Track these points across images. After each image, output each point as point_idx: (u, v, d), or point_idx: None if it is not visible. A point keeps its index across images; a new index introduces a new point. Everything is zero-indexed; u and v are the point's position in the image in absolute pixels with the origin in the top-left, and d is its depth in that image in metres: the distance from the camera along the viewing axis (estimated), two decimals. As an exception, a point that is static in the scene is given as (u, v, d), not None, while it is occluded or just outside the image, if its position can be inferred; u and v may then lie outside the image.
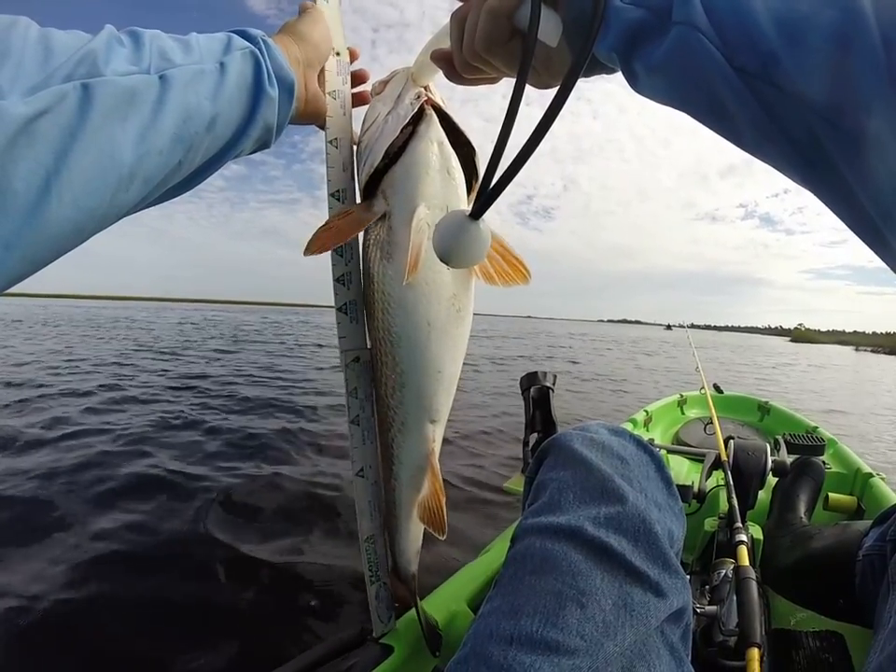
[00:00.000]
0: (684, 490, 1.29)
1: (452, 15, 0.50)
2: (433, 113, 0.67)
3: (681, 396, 2.80)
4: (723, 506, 1.32)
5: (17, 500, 2.29)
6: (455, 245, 0.42)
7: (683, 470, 1.75)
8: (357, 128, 0.75)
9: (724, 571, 1.07)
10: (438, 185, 0.67)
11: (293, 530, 2.16)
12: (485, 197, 0.41)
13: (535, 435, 1.29)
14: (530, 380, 1.36)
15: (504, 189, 0.40)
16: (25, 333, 12.41)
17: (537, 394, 1.34)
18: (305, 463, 3.01)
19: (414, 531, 0.85)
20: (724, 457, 1.36)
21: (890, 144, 0.28)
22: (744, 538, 1.02)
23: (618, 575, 0.58)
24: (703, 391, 2.42)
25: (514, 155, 0.38)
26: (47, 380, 5.46)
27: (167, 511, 2.26)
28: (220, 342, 11.99)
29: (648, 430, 2.38)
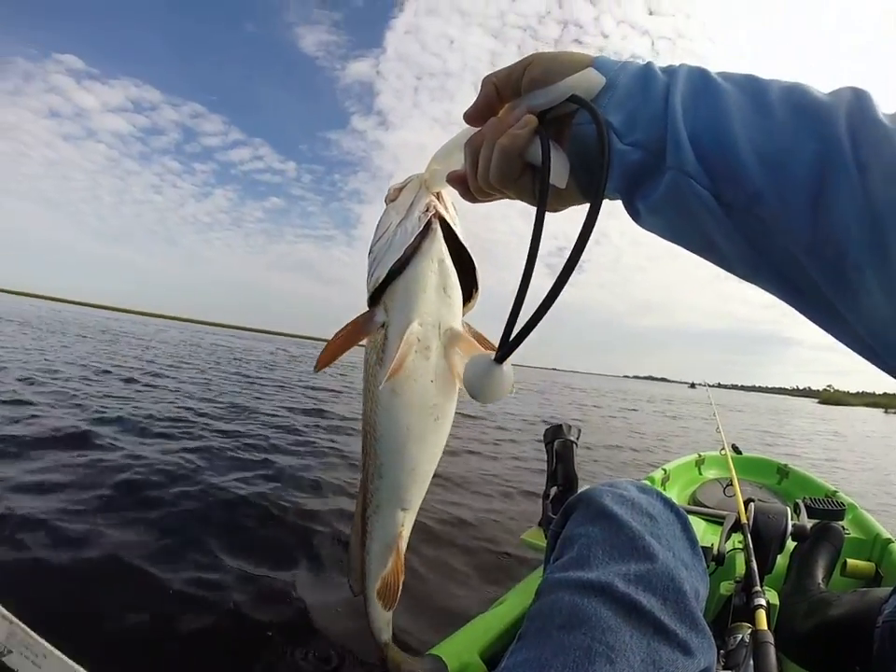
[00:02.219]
0: (704, 552, 1.28)
1: (466, 144, 0.51)
2: (438, 228, 0.72)
3: (699, 455, 2.77)
4: (740, 569, 1.30)
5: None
6: (481, 386, 0.48)
7: (700, 532, 1.72)
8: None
9: (741, 636, 1.05)
10: (433, 302, 0.72)
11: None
12: (509, 345, 0.45)
13: (555, 488, 1.30)
14: (555, 433, 1.38)
15: (527, 337, 0.44)
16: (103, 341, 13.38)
17: (560, 447, 1.35)
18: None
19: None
20: (744, 520, 1.35)
21: (873, 271, 0.30)
22: (763, 602, 1.01)
23: (647, 632, 0.58)
24: (723, 452, 2.41)
25: (538, 303, 0.42)
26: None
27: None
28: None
29: (665, 489, 2.35)
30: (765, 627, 0.94)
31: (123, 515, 2.43)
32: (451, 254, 0.74)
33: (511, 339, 0.45)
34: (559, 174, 0.45)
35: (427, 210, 0.72)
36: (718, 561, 1.32)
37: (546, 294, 0.41)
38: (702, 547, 1.26)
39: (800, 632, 1.11)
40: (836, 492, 2.22)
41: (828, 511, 1.54)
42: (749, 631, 0.99)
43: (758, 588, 1.07)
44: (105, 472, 3.02)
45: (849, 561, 1.45)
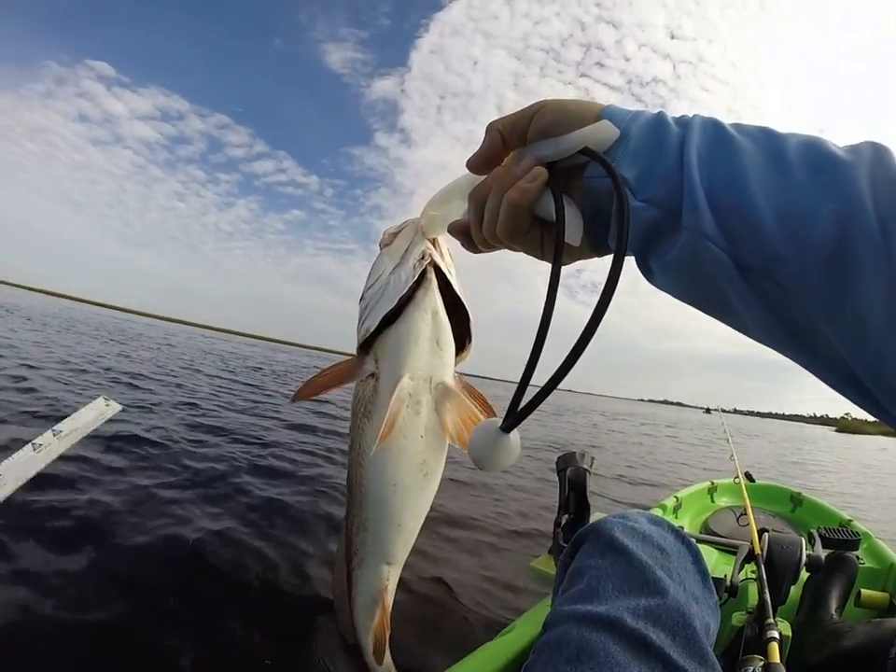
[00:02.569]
0: (716, 583, 1.27)
1: (471, 194, 0.49)
2: (433, 278, 0.70)
3: (712, 483, 2.75)
4: (753, 599, 1.29)
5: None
6: (487, 456, 0.46)
7: (712, 561, 1.70)
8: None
9: (752, 668, 1.02)
10: (426, 356, 0.71)
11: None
12: (517, 415, 0.44)
13: (567, 516, 1.30)
14: (567, 461, 1.37)
15: (537, 407, 0.43)
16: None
17: (573, 475, 1.35)
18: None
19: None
20: (758, 550, 1.34)
21: (891, 332, 0.29)
22: (775, 634, 1.00)
23: (655, 668, 0.57)
24: (736, 480, 2.38)
25: (550, 375, 0.40)
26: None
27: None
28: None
29: (677, 517, 2.33)
30: (777, 660, 0.93)
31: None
32: (445, 304, 0.72)
33: (519, 409, 0.43)
34: (574, 231, 0.43)
35: (422, 258, 0.70)
36: (731, 592, 1.31)
37: (561, 363, 0.39)
38: (714, 578, 1.25)
39: (813, 663, 1.10)
40: (851, 521, 2.20)
41: (843, 541, 1.52)
42: (762, 664, 0.98)
43: (770, 620, 1.06)
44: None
45: (864, 591, 1.43)
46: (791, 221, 0.32)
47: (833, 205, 0.31)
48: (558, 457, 1.45)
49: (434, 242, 0.71)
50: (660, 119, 0.41)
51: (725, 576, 1.32)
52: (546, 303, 0.43)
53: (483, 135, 0.48)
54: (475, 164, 0.49)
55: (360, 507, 0.77)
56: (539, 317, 0.43)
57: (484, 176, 0.48)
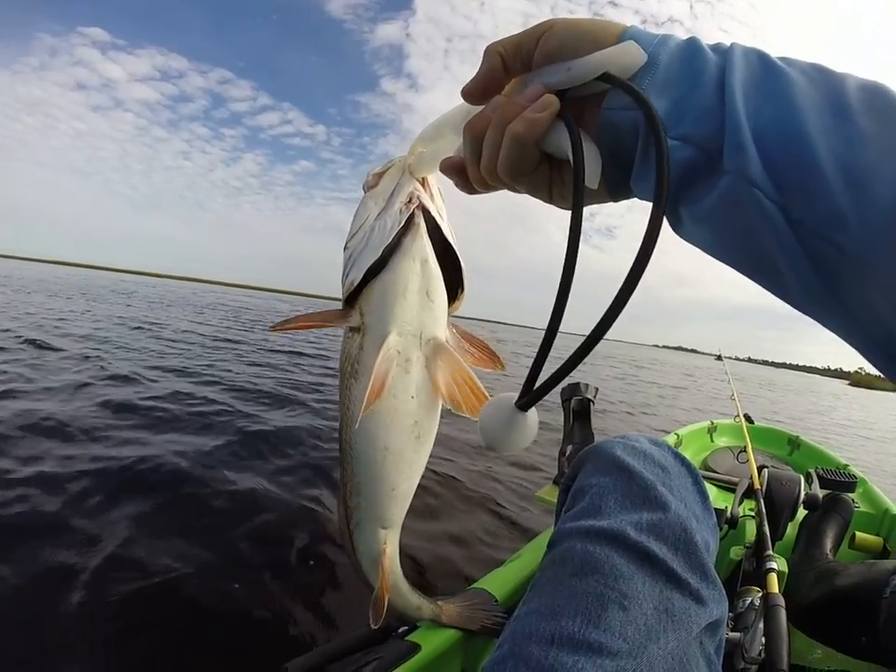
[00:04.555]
0: (717, 514, 1.29)
1: (467, 127, 0.43)
2: (422, 223, 0.64)
3: (712, 423, 2.77)
4: (750, 535, 1.31)
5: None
6: (500, 436, 0.41)
7: (712, 497, 1.74)
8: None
9: (750, 599, 1.06)
10: (415, 309, 0.65)
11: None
12: (536, 392, 0.39)
13: (571, 446, 1.30)
14: (572, 391, 1.37)
15: (559, 383, 0.37)
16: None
17: (577, 405, 1.35)
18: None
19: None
20: (757, 485, 1.36)
21: None
22: (774, 565, 1.03)
23: (659, 580, 0.59)
24: (736, 419, 2.40)
25: (573, 350, 0.35)
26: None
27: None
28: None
29: (676, 454, 2.36)
30: (776, 591, 0.95)
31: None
32: (435, 250, 0.66)
33: (537, 386, 0.39)
34: (592, 172, 0.37)
35: (409, 201, 0.64)
36: (731, 524, 1.33)
37: (590, 333, 0.34)
38: (715, 508, 1.27)
39: (806, 601, 1.12)
40: (847, 465, 2.22)
41: (840, 482, 1.53)
42: (759, 595, 1.01)
43: (770, 552, 1.09)
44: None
45: (858, 534, 1.46)
46: (856, 175, 0.27)
47: None
48: (562, 388, 1.45)
49: (424, 182, 0.64)
50: (693, 44, 0.35)
51: (726, 507, 1.34)
52: (567, 257, 0.37)
53: (481, 60, 0.41)
54: (471, 92, 0.42)
55: (352, 471, 0.74)
56: (560, 275, 0.37)
57: (482, 107, 0.42)
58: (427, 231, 0.64)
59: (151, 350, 6.24)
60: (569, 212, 0.37)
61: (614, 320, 0.34)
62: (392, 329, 0.64)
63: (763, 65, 0.32)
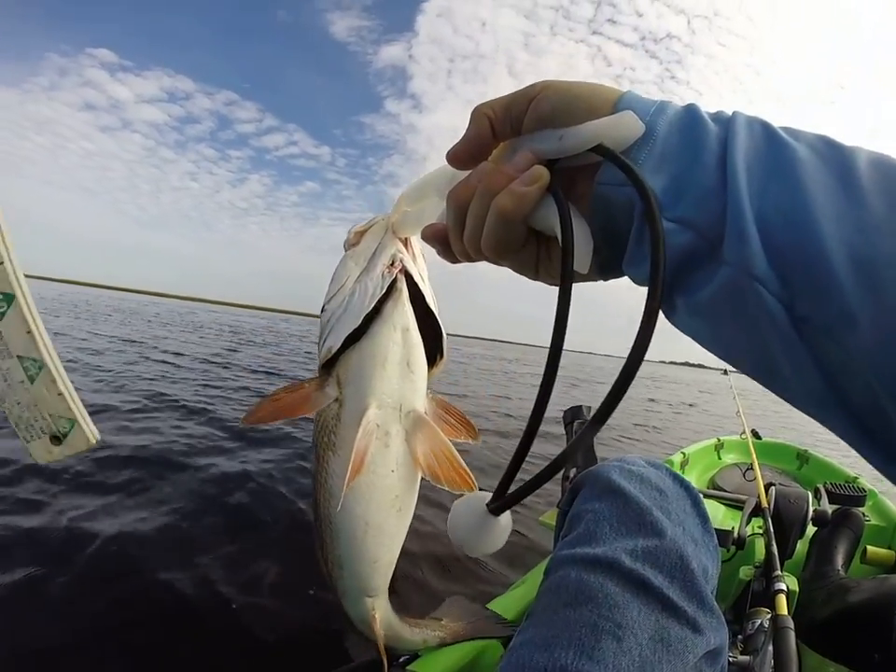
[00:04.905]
0: (723, 535, 1.26)
1: (450, 195, 0.39)
2: (404, 288, 0.61)
3: (719, 440, 2.76)
4: (760, 554, 1.30)
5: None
6: (471, 540, 0.40)
7: (719, 516, 1.72)
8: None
9: (760, 621, 1.05)
10: (395, 380, 0.63)
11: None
12: (510, 498, 0.38)
13: (574, 470, 1.30)
14: (574, 413, 1.38)
15: (536, 489, 0.36)
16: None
17: (580, 428, 1.35)
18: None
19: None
20: (765, 504, 1.34)
21: None
22: (783, 586, 1.01)
23: (654, 609, 0.57)
24: (743, 436, 2.39)
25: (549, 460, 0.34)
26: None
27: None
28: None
29: (684, 473, 2.34)
30: (785, 612, 0.93)
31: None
32: (416, 315, 0.63)
33: (512, 492, 0.37)
34: (581, 255, 0.34)
35: (392, 264, 0.61)
36: (738, 545, 1.31)
37: (576, 437, 0.33)
38: (722, 530, 1.25)
39: (818, 618, 1.11)
40: (857, 478, 2.20)
41: (849, 496, 1.52)
42: (769, 616, 0.99)
43: (778, 573, 1.07)
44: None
45: (869, 548, 1.44)
46: (869, 270, 0.24)
47: None
48: (565, 411, 1.45)
49: (406, 242, 0.62)
50: (693, 112, 0.33)
51: (733, 528, 1.32)
52: (552, 347, 0.35)
53: (469, 121, 0.39)
54: (457, 157, 0.40)
55: (333, 544, 0.72)
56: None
57: (468, 172, 0.39)
58: (409, 296, 0.62)
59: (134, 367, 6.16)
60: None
61: (604, 421, 0.32)
62: (371, 402, 0.62)
63: (767, 138, 0.30)
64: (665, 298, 0.32)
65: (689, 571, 0.61)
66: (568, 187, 0.36)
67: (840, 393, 0.27)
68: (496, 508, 0.38)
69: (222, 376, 6.40)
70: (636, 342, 0.30)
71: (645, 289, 0.31)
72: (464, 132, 0.39)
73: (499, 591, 1.23)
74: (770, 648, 0.88)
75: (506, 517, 0.39)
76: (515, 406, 6.80)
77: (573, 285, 0.35)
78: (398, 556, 0.76)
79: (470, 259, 0.42)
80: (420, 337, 0.64)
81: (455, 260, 0.44)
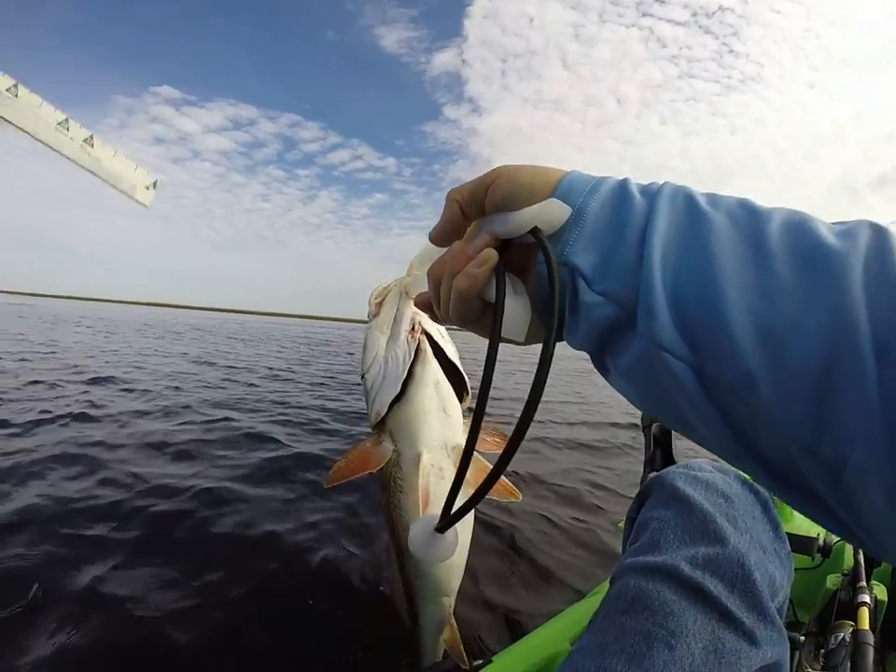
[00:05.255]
0: (808, 542, 1.23)
1: (428, 272, 0.45)
2: (428, 349, 0.73)
3: None
4: (849, 561, 1.23)
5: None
6: (423, 553, 0.45)
7: (805, 523, 1.66)
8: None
9: (842, 634, 0.95)
10: (437, 426, 0.74)
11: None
12: (451, 517, 0.42)
13: (653, 474, 1.29)
14: (652, 417, 1.35)
15: (473, 507, 0.41)
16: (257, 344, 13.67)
17: (658, 431, 1.32)
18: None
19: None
20: None
21: (875, 477, 0.24)
22: (867, 598, 0.96)
23: (711, 618, 0.56)
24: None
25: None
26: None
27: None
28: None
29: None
30: (867, 627, 0.89)
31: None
32: (441, 363, 0.75)
33: (455, 511, 0.42)
34: (517, 325, 0.39)
35: (413, 329, 0.73)
36: (824, 553, 1.26)
37: (497, 460, 0.37)
38: (806, 537, 1.21)
39: None
40: None
41: None
42: (851, 630, 0.93)
43: (863, 583, 1.02)
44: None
45: None
46: (769, 333, 0.26)
47: (821, 315, 0.25)
48: (643, 414, 1.43)
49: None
50: (622, 190, 0.35)
51: (818, 535, 1.26)
52: (482, 384, 0.39)
53: (445, 206, 0.44)
54: (436, 238, 0.45)
55: (413, 563, 0.85)
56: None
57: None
58: (433, 351, 0.74)
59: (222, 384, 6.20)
60: None
61: (515, 451, 0.35)
62: (423, 449, 0.73)
63: (687, 210, 0.32)
64: (599, 363, 0.37)
65: (750, 581, 0.59)
66: (524, 263, 0.41)
67: (749, 445, 0.29)
68: (440, 527, 0.43)
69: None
70: (532, 388, 0.34)
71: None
72: (442, 213, 0.44)
73: (562, 608, 1.23)
74: (849, 664, 0.83)
75: (451, 534, 0.43)
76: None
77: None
78: (465, 562, 0.87)
79: (452, 324, 0.47)
80: (449, 384, 0.75)
81: (443, 324, 0.50)
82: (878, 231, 0.28)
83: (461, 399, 0.78)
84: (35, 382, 5.03)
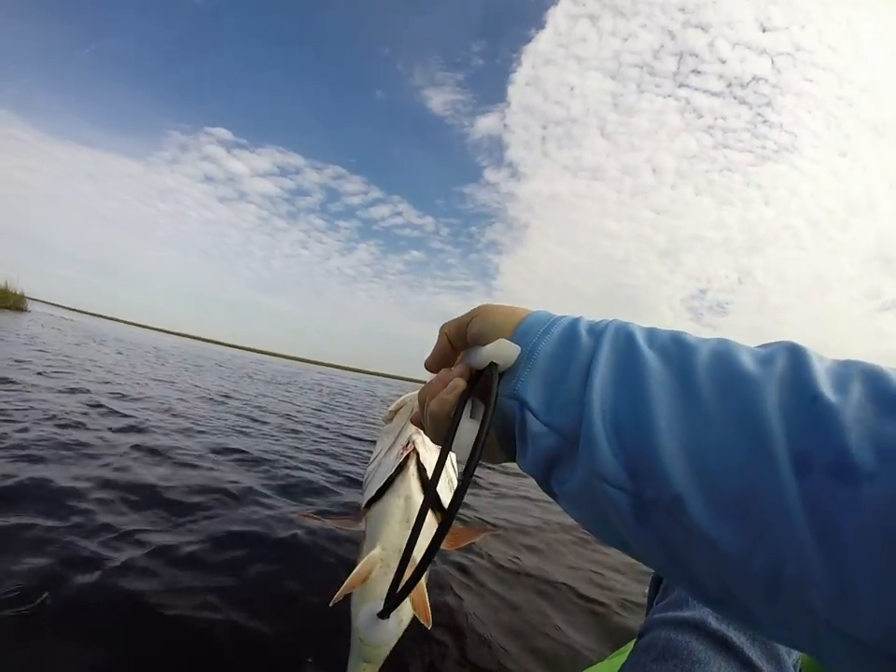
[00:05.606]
0: None
1: (418, 395, 0.50)
2: (411, 466, 0.82)
3: None
4: None
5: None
6: (367, 637, 0.49)
7: None
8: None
9: None
10: (397, 533, 0.82)
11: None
12: (392, 601, 0.43)
13: None
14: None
15: (412, 590, 0.42)
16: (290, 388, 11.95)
17: None
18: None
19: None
20: None
21: (808, 593, 0.24)
22: None
23: (734, 666, 0.60)
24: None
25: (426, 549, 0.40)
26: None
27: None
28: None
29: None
30: None
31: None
32: (423, 479, 0.84)
33: (396, 592, 0.43)
34: (465, 445, 0.42)
35: (406, 445, 0.83)
36: None
37: (430, 542, 0.39)
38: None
39: None
40: None
41: None
42: None
43: None
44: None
45: None
46: (695, 458, 0.28)
47: (740, 439, 0.27)
48: None
49: None
50: (571, 332, 0.38)
51: None
52: (422, 504, 0.45)
53: (437, 337, 0.49)
54: (429, 366, 0.50)
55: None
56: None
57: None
58: (419, 470, 0.83)
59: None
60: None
61: (447, 531, 0.38)
62: (378, 546, 0.82)
63: (626, 349, 0.34)
64: (547, 489, 0.39)
65: None
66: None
67: (685, 569, 0.30)
68: (382, 612, 0.45)
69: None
70: (455, 492, 0.38)
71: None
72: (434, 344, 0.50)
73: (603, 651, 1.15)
74: None
75: (394, 619, 0.49)
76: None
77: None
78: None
79: (434, 441, 0.50)
80: (421, 499, 0.82)
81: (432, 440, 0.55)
82: (794, 353, 0.30)
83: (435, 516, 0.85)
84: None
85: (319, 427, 5.97)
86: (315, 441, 4.84)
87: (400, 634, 0.56)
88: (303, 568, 1.96)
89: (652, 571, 0.83)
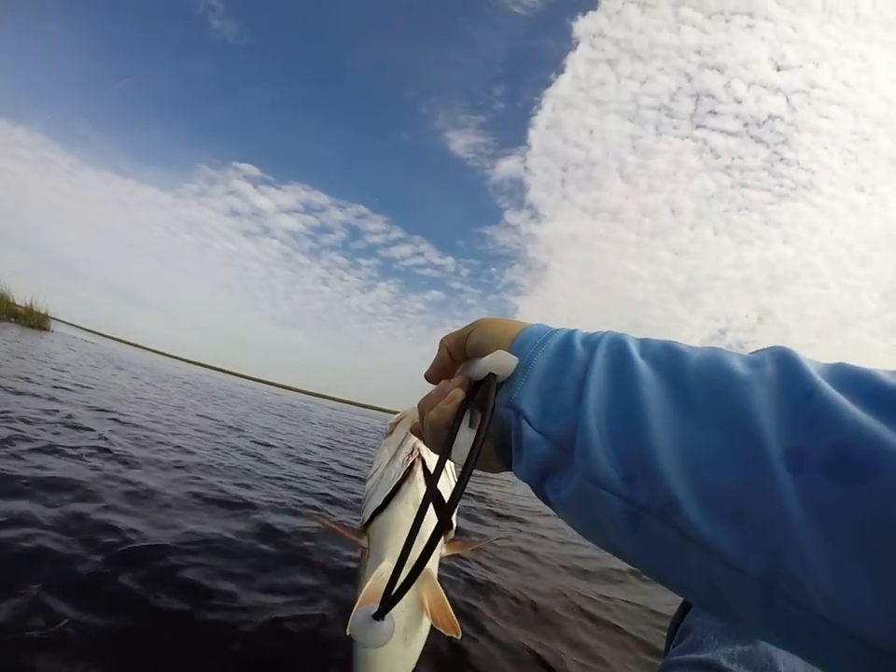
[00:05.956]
0: None
1: (418, 405, 0.51)
2: (418, 471, 0.80)
3: None
4: None
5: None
6: (361, 638, 0.47)
7: None
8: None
9: None
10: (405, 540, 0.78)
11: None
12: (387, 602, 0.43)
13: None
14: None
15: (404, 593, 0.42)
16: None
17: None
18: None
19: None
20: None
21: (806, 590, 0.24)
22: None
23: None
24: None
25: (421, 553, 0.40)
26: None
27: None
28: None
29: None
30: None
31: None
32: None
33: (390, 597, 0.43)
34: (457, 450, 0.43)
35: (411, 452, 0.81)
36: None
37: (422, 550, 0.39)
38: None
39: None
40: None
41: None
42: None
43: None
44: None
45: None
46: (688, 458, 0.28)
47: (732, 438, 0.27)
48: None
49: None
50: (567, 342, 0.39)
51: None
52: (420, 508, 0.44)
53: (437, 349, 0.50)
54: (430, 377, 0.51)
55: (354, 657, 0.88)
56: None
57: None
58: (425, 475, 0.81)
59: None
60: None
61: (437, 542, 0.39)
62: (385, 557, 0.79)
63: (620, 359, 0.35)
64: (542, 496, 0.40)
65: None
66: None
67: (677, 572, 0.30)
68: (377, 613, 0.44)
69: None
70: (452, 493, 0.38)
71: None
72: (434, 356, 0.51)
73: None
74: None
75: (388, 621, 0.45)
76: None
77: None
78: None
79: (434, 450, 0.50)
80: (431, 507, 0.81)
81: (430, 449, 0.54)
82: (784, 354, 0.30)
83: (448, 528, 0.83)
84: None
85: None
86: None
87: (391, 636, 0.55)
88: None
89: (671, 616, 0.87)
